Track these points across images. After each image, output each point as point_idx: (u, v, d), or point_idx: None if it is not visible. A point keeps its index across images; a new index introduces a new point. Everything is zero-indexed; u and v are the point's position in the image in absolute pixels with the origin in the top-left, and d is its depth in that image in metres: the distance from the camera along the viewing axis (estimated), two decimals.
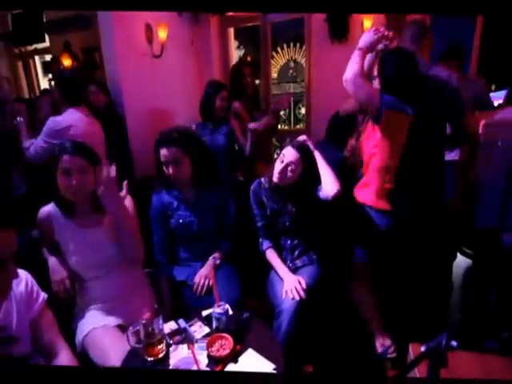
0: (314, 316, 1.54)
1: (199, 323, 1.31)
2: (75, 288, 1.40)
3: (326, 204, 1.60)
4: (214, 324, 1.26)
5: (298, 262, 1.69)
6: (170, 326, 1.28)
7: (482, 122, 1.89)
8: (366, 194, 1.70)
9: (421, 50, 1.89)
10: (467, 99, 1.80)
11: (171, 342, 1.22)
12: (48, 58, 4.61)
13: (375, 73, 1.60)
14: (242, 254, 1.79)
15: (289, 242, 1.71)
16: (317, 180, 1.62)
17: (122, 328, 1.32)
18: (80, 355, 1.26)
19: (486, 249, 1.89)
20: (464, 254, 1.95)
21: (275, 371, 1.10)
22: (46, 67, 4.88)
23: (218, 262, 1.65)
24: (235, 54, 4.09)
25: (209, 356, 1.15)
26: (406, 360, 1.20)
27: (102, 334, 1.28)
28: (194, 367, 1.12)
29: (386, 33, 1.48)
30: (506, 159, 1.83)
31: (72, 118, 2.16)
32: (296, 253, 1.70)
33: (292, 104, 4.91)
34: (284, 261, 1.67)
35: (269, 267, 1.68)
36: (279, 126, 3.55)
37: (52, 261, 1.35)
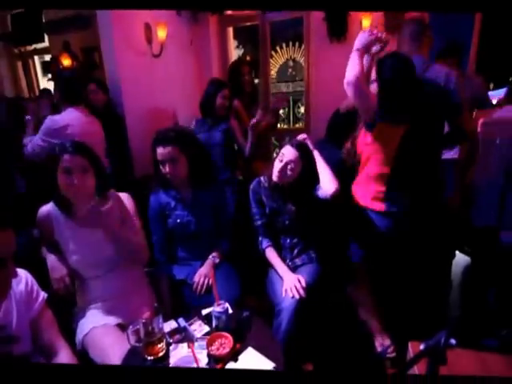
0: (313, 314, 1.54)
1: (199, 322, 1.31)
2: (75, 286, 1.40)
3: (325, 203, 1.60)
4: (214, 323, 1.26)
5: (298, 261, 1.69)
6: (169, 325, 1.29)
7: (481, 121, 1.89)
8: (362, 194, 1.71)
9: (420, 48, 1.89)
10: (465, 97, 1.80)
11: (171, 340, 1.22)
12: (47, 57, 4.60)
13: (373, 77, 1.60)
14: (242, 253, 1.79)
15: (288, 240, 1.72)
16: (316, 179, 1.62)
17: (122, 327, 1.32)
18: (80, 354, 1.26)
19: (485, 247, 1.89)
20: (463, 251, 1.96)
21: (275, 369, 1.10)
22: (46, 67, 4.87)
23: (217, 260, 1.66)
24: (234, 53, 4.08)
25: (209, 355, 1.16)
26: (405, 359, 1.20)
27: (102, 333, 1.28)
28: (194, 366, 1.12)
29: (379, 35, 1.48)
30: (505, 157, 1.84)
31: (70, 118, 2.16)
32: (295, 251, 1.71)
33: (291, 103, 4.91)
34: (283, 259, 1.67)
35: (268, 266, 1.69)
36: (278, 125, 3.55)
37: (51, 259, 1.35)
